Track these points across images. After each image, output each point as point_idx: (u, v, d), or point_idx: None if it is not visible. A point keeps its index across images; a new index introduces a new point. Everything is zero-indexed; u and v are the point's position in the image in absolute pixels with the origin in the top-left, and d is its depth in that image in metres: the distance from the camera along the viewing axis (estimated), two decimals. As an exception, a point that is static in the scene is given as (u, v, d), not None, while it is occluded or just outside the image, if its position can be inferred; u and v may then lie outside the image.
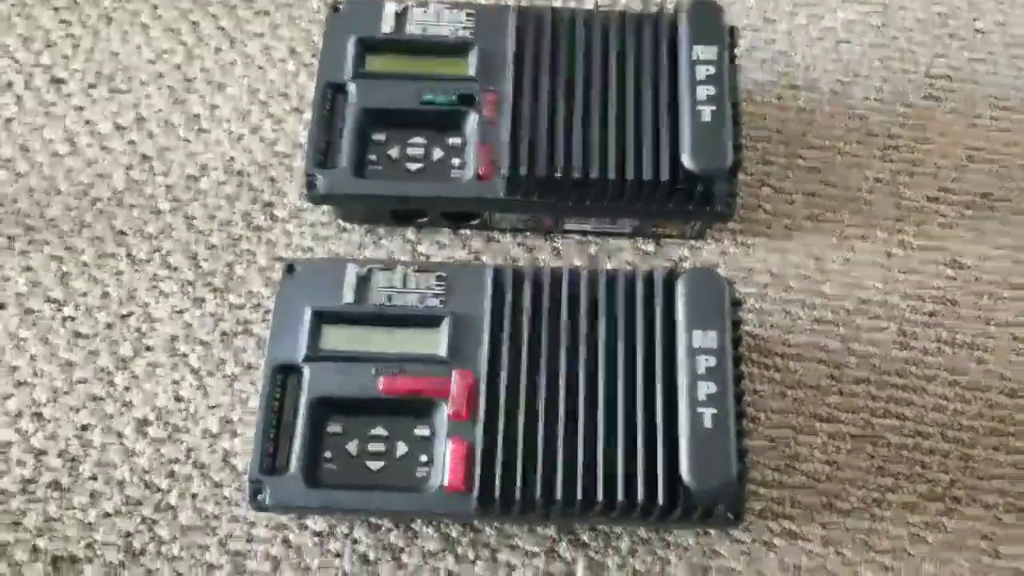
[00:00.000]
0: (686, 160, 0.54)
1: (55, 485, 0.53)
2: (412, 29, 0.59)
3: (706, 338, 0.48)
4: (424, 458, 0.50)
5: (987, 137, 0.63)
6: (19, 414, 0.55)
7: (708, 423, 0.47)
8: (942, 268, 0.59)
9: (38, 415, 0.55)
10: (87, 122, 0.63)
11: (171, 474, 0.53)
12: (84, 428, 0.54)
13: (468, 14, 0.60)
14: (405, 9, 0.60)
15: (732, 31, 0.58)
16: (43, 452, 0.54)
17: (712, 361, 0.48)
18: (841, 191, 0.61)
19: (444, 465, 0.48)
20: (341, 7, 0.61)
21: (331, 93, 0.58)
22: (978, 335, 0.57)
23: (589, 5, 0.60)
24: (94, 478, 0.53)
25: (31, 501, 0.53)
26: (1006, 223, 0.61)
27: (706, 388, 0.47)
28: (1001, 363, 0.57)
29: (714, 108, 0.54)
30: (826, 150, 0.63)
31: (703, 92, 0.55)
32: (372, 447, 0.50)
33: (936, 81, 0.65)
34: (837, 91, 0.65)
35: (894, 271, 0.59)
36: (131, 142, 0.62)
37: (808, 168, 0.62)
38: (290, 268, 0.54)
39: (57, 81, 0.64)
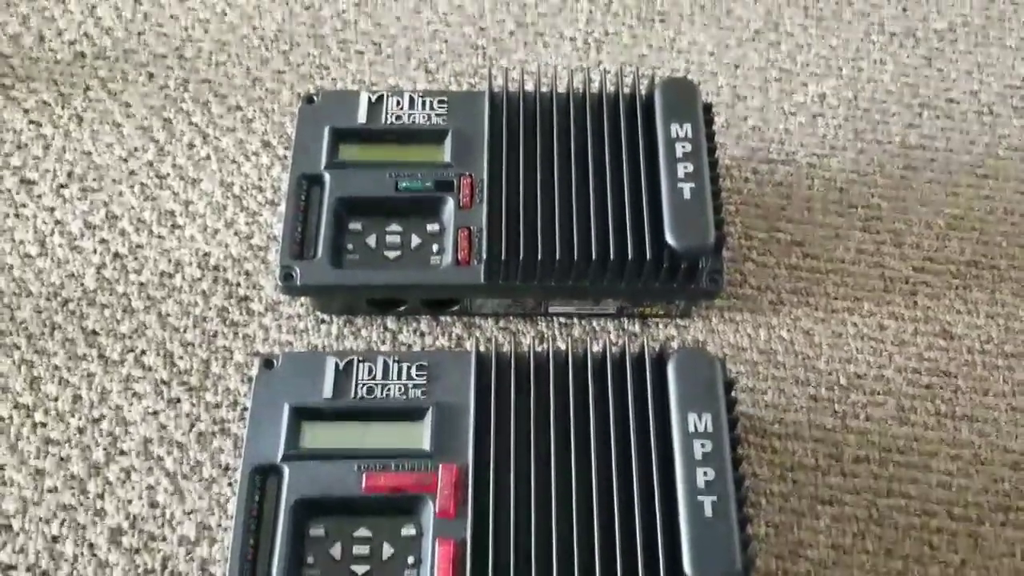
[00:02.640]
0: (669, 238, 0.53)
1: (23, 603, 0.50)
2: (386, 118, 0.59)
3: (701, 421, 0.47)
4: (411, 560, 0.47)
5: (968, 205, 0.63)
6: (-15, 528, 0.52)
7: (708, 511, 0.45)
8: (934, 339, 0.58)
9: (6, 527, 0.52)
10: (58, 222, 0.62)
11: (146, 586, 0.51)
12: (55, 540, 0.52)
13: (441, 101, 0.60)
14: (380, 98, 0.60)
15: (707, 108, 0.58)
16: (11, 567, 0.51)
17: (709, 445, 0.46)
18: (824, 263, 0.61)
19: (433, 567, 0.46)
20: (315, 99, 0.60)
21: (306, 184, 0.57)
22: (977, 407, 0.56)
23: (562, 86, 0.59)
24: (65, 593, 0.51)
25: (-3, 622, 0.50)
26: (994, 291, 0.60)
27: (704, 474, 0.46)
28: (1002, 435, 0.55)
29: (693, 185, 0.54)
30: (806, 223, 0.62)
31: (681, 169, 0.54)
32: (356, 550, 0.48)
33: (912, 151, 0.65)
34: (813, 164, 0.65)
35: (887, 344, 0.58)
36: (103, 241, 0.61)
37: (789, 242, 0.62)
38: (268, 363, 0.52)
39: (27, 182, 0.63)
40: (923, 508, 0.53)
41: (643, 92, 0.59)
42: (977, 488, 0.54)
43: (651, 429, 0.48)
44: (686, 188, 0.54)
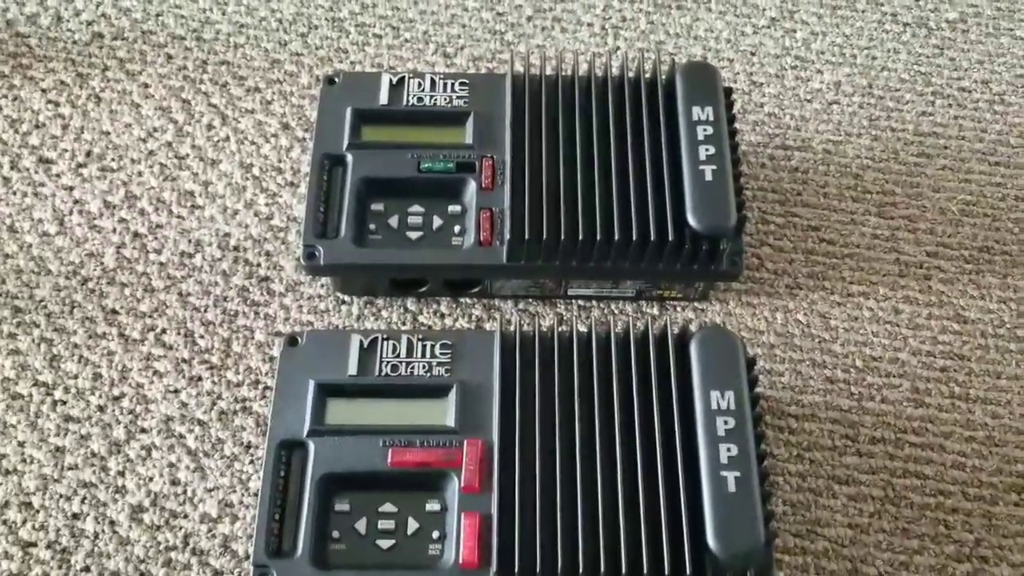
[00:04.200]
0: (691, 219, 0.53)
1: (45, 578, 0.50)
2: (408, 99, 0.59)
3: (724, 398, 0.47)
4: (436, 534, 0.48)
5: (980, 192, 0.64)
6: (6, 504, 0.52)
7: (731, 486, 0.45)
8: (948, 323, 0.59)
9: (27, 504, 0.52)
10: (76, 201, 0.62)
11: (168, 562, 0.51)
12: (75, 517, 0.52)
13: (462, 83, 0.60)
14: (401, 80, 0.60)
15: (728, 92, 0.58)
16: (32, 544, 0.51)
17: (731, 422, 0.47)
18: (840, 248, 0.61)
19: (458, 541, 0.47)
20: (336, 80, 0.60)
21: (328, 163, 0.58)
22: (990, 389, 0.57)
23: (581, 71, 0.60)
24: (87, 570, 0.51)
25: (20, 596, 0.50)
26: (1007, 276, 0.61)
27: (727, 450, 0.46)
28: (1015, 417, 0.56)
29: (715, 167, 0.55)
30: (822, 208, 0.63)
31: (703, 152, 0.55)
32: (382, 525, 0.48)
33: (925, 139, 0.66)
34: (829, 150, 0.65)
35: (902, 327, 0.59)
36: (122, 220, 0.61)
37: (806, 227, 0.62)
38: (292, 340, 0.52)
39: (46, 161, 0.63)
40: (938, 488, 0.54)
41: (663, 76, 0.59)
42: (991, 469, 0.54)
43: (674, 406, 0.48)
44: (708, 170, 0.54)
